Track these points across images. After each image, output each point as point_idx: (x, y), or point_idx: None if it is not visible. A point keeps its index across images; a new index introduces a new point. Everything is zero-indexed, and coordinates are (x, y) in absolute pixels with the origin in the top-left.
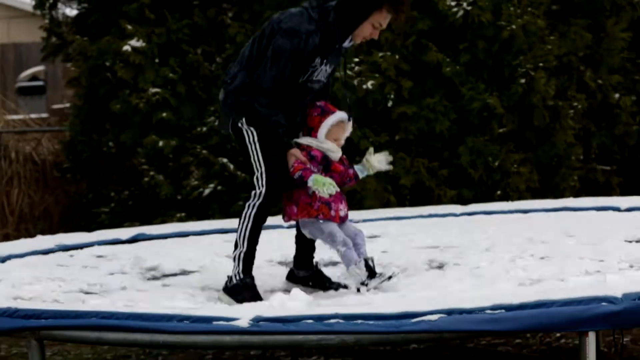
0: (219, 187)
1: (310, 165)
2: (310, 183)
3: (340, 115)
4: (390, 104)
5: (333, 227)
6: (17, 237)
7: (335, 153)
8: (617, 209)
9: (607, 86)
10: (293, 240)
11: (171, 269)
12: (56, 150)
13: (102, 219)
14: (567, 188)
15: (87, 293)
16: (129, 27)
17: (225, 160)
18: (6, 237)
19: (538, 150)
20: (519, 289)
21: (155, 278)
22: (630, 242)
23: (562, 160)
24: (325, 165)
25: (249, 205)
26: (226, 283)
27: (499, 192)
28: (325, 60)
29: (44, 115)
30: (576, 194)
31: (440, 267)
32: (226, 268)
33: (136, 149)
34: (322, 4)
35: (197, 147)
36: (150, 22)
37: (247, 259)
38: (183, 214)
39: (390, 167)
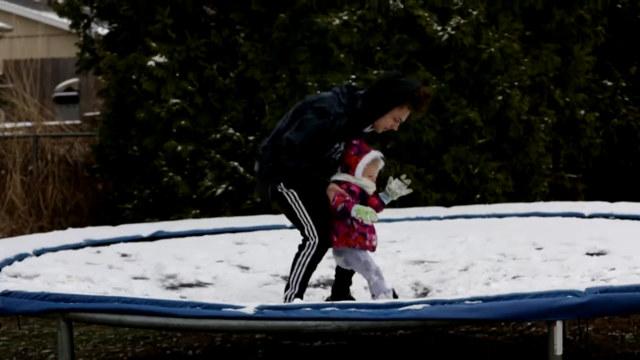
0: (230, 188)
1: (349, 197)
2: (353, 213)
3: (374, 154)
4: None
5: (369, 257)
6: (51, 229)
7: (370, 188)
8: (582, 215)
9: (574, 103)
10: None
11: (188, 279)
12: (87, 153)
13: (126, 214)
14: (538, 193)
15: (116, 289)
16: (153, 44)
17: (236, 163)
18: (41, 229)
19: (513, 159)
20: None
21: (173, 287)
22: (592, 255)
23: (534, 168)
24: (362, 200)
25: (304, 255)
26: None
27: (478, 196)
28: (344, 143)
29: (77, 121)
30: (546, 199)
31: (424, 294)
32: (236, 281)
33: (157, 153)
34: (351, 91)
35: (211, 151)
36: (172, 41)
37: (297, 299)
38: (198, 211)
39: (410, 191)
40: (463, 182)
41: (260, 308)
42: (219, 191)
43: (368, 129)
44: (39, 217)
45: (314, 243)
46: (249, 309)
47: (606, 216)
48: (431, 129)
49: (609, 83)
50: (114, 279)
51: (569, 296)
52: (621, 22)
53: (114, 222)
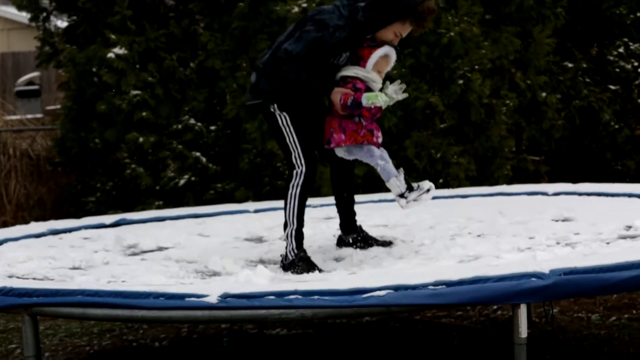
0: (193, 178)
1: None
2: (364, 101)
3: (388, 48)
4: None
5: (372, 146)
6: (14, 224)
7: (377, 84)
8: (545, 194)
9: (535, 86)
10: (256, 223)
11: (149, 246)
12: (49, 147)
13: (89, 207)
14: (501, 176)
15: (74, 269)
16: (113, 36)
17: (198, 154)
18: (4, 224)
19: (475, 143)
20: (458, 265)
21: (134, 254)
22: (557, 221)
23: (496, 151)
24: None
25: (292, 186)
26: (282, 261)
27: (440, 181)
28: (343, 52)
29: (39, 115)
30: (509, 182)
31: (390, 243)
32: (199, 244)
33: (119, 145)
34: (352, 2)
35: (173, 142)
36: (132, 32)
37: (299, 235)
38: (161, 202)
39: (406, 95)
40: (426, 167)
41: (224, 296)
42: (182, 182)
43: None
44: (2, 212)
45: (301, 171)
46: (212, 298)
47: (570, 194)
48: (393, 115)
49: (570, 65)
50: (75, 254)
51: (533, 279)
52: (581, 3)
53: (78, 215)
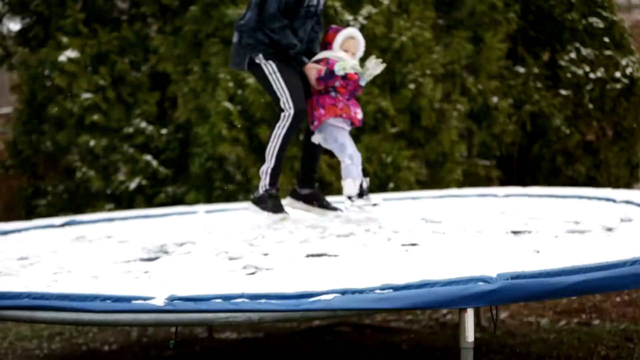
0: (144, 182)
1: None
2: (336, 68)
3: (351, 30)
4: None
5: (346, 139)
6: None
7: (348, 62)
8: (495, 196)
9: (486, 91)
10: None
11: (97, 236)
12: (0, 150)
13: (40, 210)
14: (452, 181)
15: (22, 259)
16: (65, 39)
17: (149, 157)
18: None
19: (426, 147)
20: (406, 268)
21: (81, 242)
22: (506, 216)
23: (447, 156)
24: (342, 75)
25: (279, 127)
26: (254, 194)
27: (391, 185)
28: None
29: None
30: (460, 186)
31: (336, 209)
32: (144, 235)
33: (71, 148)
34: None
35: (124, 145)
36: (84, 35)
37: (274, 173)
38: (112, 205)
39: (384, 66)
40: (376, 171)
41: (171, 299)
42: (133, 185)
43: None
44: None
45: (289, 114)
46: (159, 300)
47: (520, 196)
48: None
49: (522, 69)
50: (24, 247)
51: (480, 283)
52: (533, 8)
53: (29, 218)
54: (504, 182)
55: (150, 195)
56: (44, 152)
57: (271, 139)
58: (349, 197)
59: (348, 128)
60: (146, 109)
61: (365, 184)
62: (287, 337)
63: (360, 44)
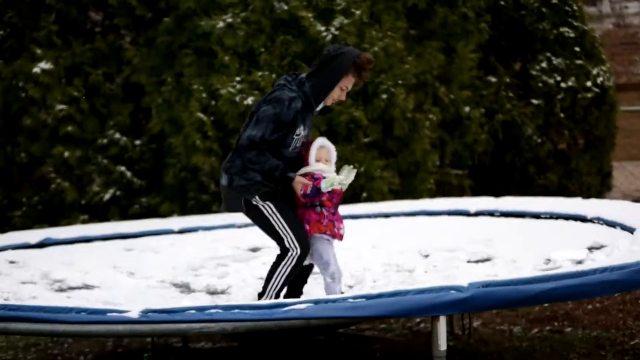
0: (118, 193)
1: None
2: (323, 186)
3: (319, 140)
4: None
5: (330, 256)
6: None
7: (328, 173)
8: (467, 213)
9: (458, 100)
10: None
11: (76, 282)
12: None
13: (15, 221)
14: (424, 190)
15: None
16: (39, 51)
17: (123, 168)
18: None
19: (399, 157)
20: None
21: (61, 290)
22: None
23: (420, 165)
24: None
25: (285, 265)
26: None
27: (364, 194)
28: (304, 126)
29: None
30: (433, 195)
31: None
32: (123, 285)
33: (45, 159)
34: (295, 77)
35: (98, 157)
36: (57, 47)
37: None
38: (86, 216)
39: (355, 171)
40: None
41: (145, 312)
42: (107, 196)
43: (320, 107)
44: None
45: (296, 254)
46: (134, 312)
47: (491, 213)
48: (316, 129)
49: (493, 79)
50: (2, 284)
51: (452, 291)
52: (504, 18)
53: (3, 230)
54: (476, 191)
55: (124, 206)
56: (19, 164)
57: (274, 276)
58: None
59: (332, 242)
60: (120, 120)
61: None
62: (261, 346)
63: (331, 150)
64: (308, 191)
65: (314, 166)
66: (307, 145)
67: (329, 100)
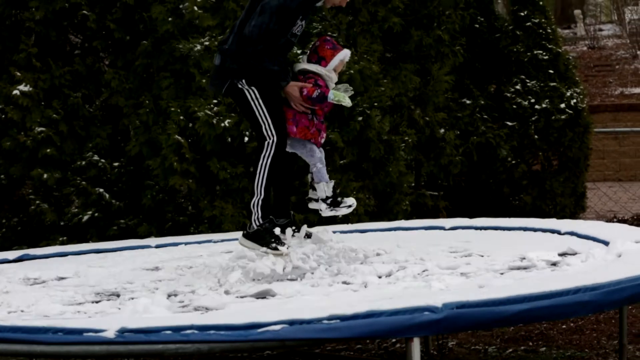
0: (96, 214)
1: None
2: (331, 96)
3: (347, 52)
4: (246, 139)
5: (314, 145)
6: None
7: (333, 83)
8: (442, 228)
9: (433, 122)
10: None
11: (50, 277)
12: None
13: None
14: (400, 211)
15: None
16: (18, 73)
17: (101, 190)
18: None
19: (374, 178)
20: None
21: (36, 283)
22: (452, 252)
23: (395, 187)
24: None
25: (263, 157)
26: (246, 230)
27: (340, 216)
28: (302, 17)
29: None
30: (408, 217)
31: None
32: (97, 275)
33: (24, 181)
34: None
35: (77, 179)
36: (37, 70)
37: (265, 205)
38: (65, 238)
39: (352, 92)
40: None
41: (121, 331)
42: (86, 218)
43: (320, 3)
44: None
45: (272, 142)
46: (110, 333)
47: (466, 228)
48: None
49: (468, 102)
50: None
51: (426, 312)
52: (479, 41)
53: None
54: (451, 213)
55: (103, 227)
56: None
57: (257, 171)
58: (324, 200)
59: None
60: (99, 142)
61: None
62: None
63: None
64: (314, 95)
65: (329, 72)
66: (324, 44)
67: (329, 2)
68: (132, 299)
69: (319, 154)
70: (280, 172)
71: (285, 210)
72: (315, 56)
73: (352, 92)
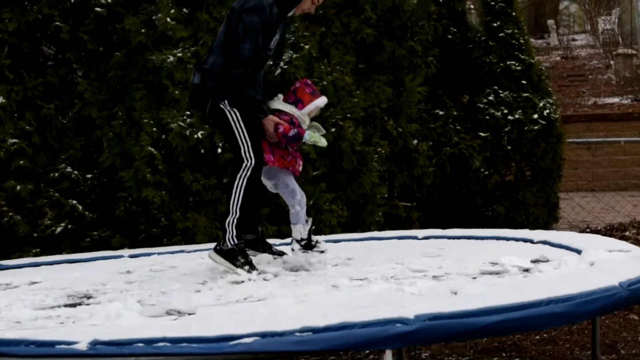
0: (70, 226)
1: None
2: (307, 137)
3: (325, 99)
4: (219, 150)
5: (295, 185)
6: None
7: (306, 125)
8: (415, 238)
9: (406, 133)
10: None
11: (22, 282)
12: None
13: None
14: (373, 222)
15: None
16: None
17: (74, 202)
18: None
19: (347, 190)
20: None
21: (8, 288)
22: (428, 257)
23: (368, 198)
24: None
25: (240, 177)
26: (219, 246)
27: (313, 227)
28: (278, 30)
29: None
30: (381, 228)
31: (282, 253)
32: (68, 279)
33: None
34: None
35: (50, 190)
36: (10, 81)
37: (239, 225)
38: (38, 250)
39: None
40: None
41: (94, 343)
42: (59, 229)
43: (290, 13)
44: None
45: (250, 164)
46: (82, 345)
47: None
48: None
49: (441, 112)
50: None
51: (398, 325)
52: (452, 52)
53: None
54: (424, 224)
55: (76, 239)
56: None
57: (233, 190)
58: (298, 241)
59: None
60: (72, 153)
61: (309, 224)
62: None
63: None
64: (290, 134)
65: (303, 115)
66: (304, 88)
67: (298, 10)
68: (105, 302)
69: (299, 195)
70: (254, 192)
71: (253, 226)
72: (292, 97)
73: (324, 132)
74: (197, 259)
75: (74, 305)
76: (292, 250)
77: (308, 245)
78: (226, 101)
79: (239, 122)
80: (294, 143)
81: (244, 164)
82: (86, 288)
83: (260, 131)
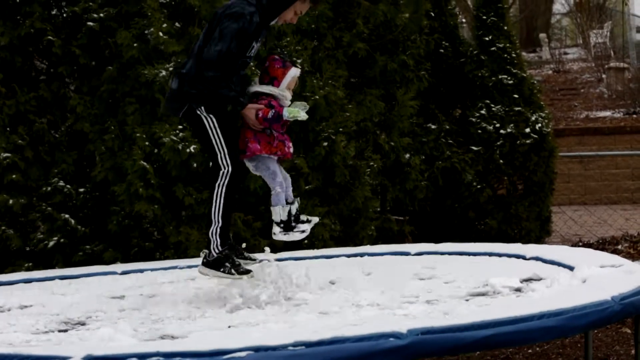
0: (62, 240)
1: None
2: (285, 114)
3: (297, 70)
4: (211, 164)
5: (277, 167)
6: None
7: (288, 101)
8: (408, 254)
9: (398, 147)
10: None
11: (14, 304)
12: None
13: None
14: (365, 236)
15: None
16: None
17: (67, 216)
18: None
19: (340, 204)
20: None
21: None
22: (420, 279)
23: (361, 212)
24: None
25: (218, 185)
26: (206, 258)
27: (305, 241)
28: (257, 39)
29: None
30: (374, 242)
31: (255, 260)
32: (62, 302)
33: None
34: None
35: (42, 204)
36: (2, 95)
37: (223, 233)
38: (30, 264)
39: (306, 109)
40: None
41: (87, 358)
42: (51, 244)
43: (273, 22)
44: None
45: (227, 171)
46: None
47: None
48: (258, 177)
49: (433, 126)
50: None
51: (391, 339)
52: (444, 66)
53: None
54: (417, 237)
55: (68, 253)
56: None
57: (214, 199)
58: (277, 224)
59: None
60: (64, 167)
61: (296, 204)
62: None
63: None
64: (269, 116)
65: (282, 91)
66: (273, 64)
67: (281, 20)
68: (97, 328)
69: (280, 177)
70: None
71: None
72: (267, 77)
73: (307, 108)
74: (189, 281)
75: (65, 331)
76: (274, 234)
77: (288, 227)
78: (203, 107)
79: (216, 129)
80: (277, 124)
81: (222, 172)
82: (78, 314)
83: (239, 133)
